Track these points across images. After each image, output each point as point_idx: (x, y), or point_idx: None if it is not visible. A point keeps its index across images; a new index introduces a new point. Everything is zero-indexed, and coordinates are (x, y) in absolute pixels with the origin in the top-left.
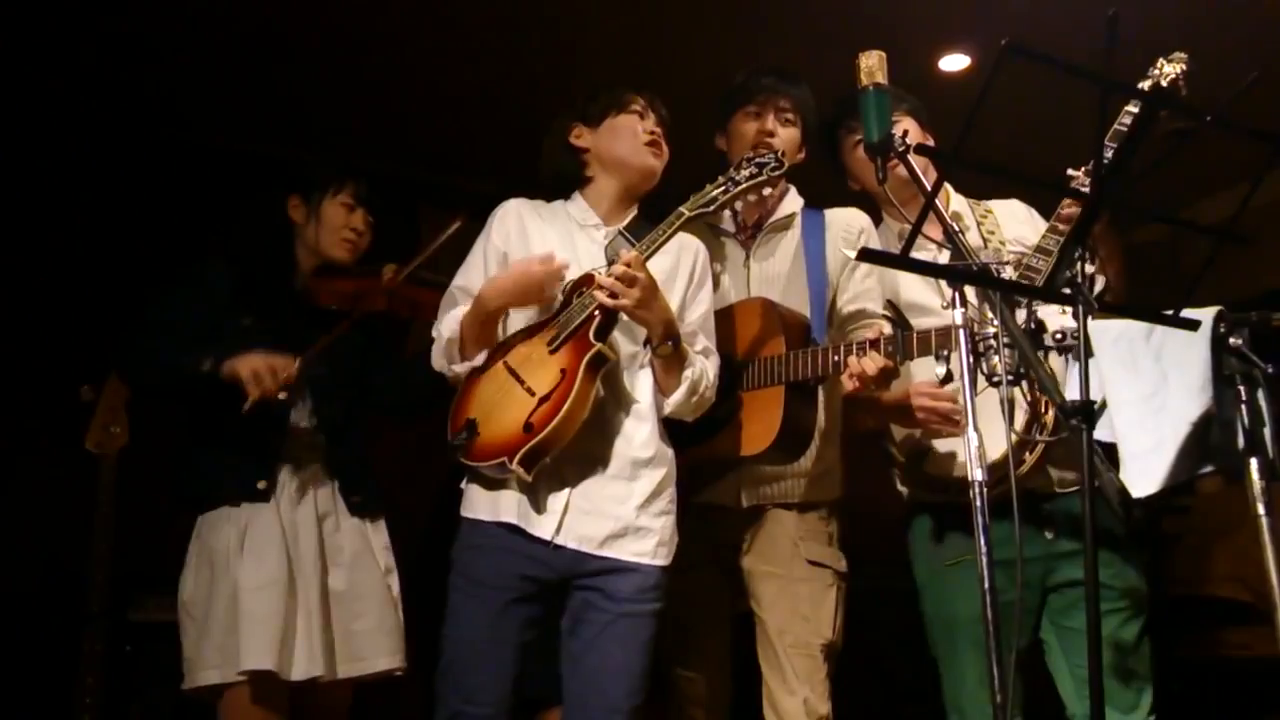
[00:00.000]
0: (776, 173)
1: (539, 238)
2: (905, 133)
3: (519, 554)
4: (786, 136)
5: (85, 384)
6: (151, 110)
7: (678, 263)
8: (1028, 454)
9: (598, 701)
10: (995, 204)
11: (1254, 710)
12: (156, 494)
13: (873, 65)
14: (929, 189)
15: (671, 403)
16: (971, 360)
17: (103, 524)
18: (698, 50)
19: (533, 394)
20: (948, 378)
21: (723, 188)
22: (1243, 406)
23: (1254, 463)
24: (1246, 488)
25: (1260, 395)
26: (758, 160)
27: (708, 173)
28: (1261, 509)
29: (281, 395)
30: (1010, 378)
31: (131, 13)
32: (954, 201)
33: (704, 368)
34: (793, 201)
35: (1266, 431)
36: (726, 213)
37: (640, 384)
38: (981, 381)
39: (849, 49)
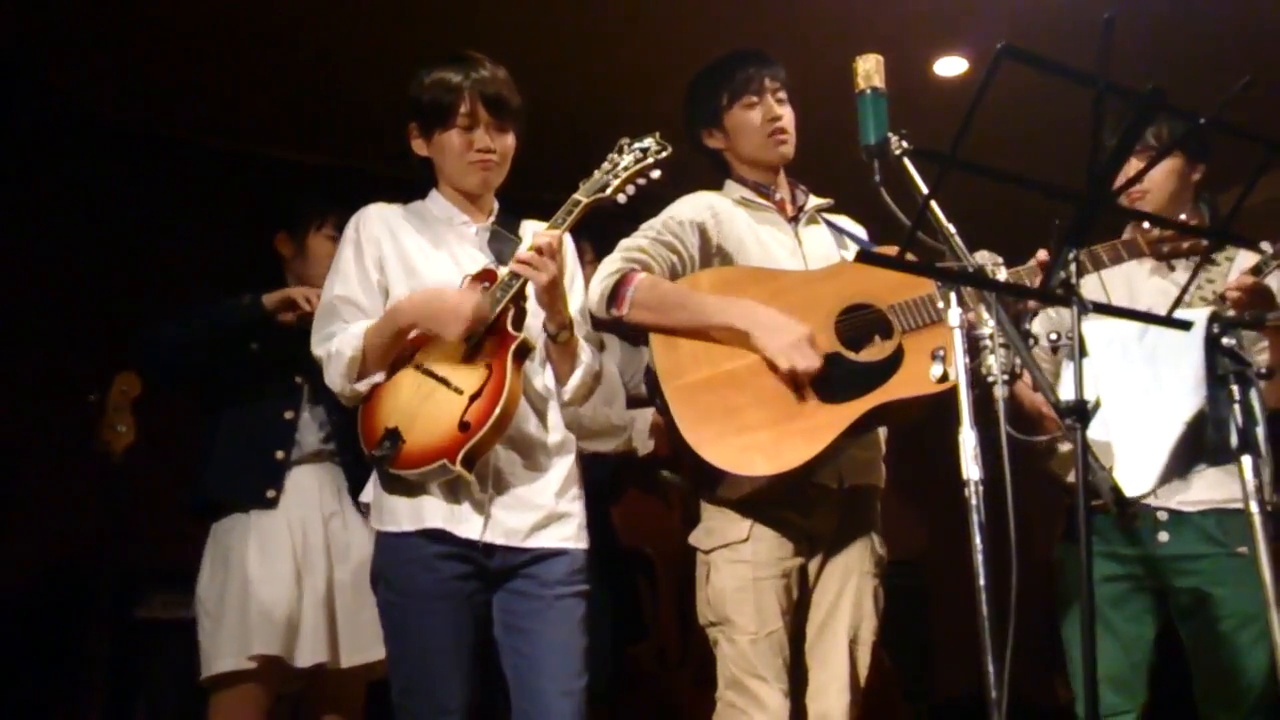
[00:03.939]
0: (661, 155)
1: (411, 240)
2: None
3: (452, 558)
4: (788, 116)
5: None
6: (153, 112)
7: None
8: None
9: (550, 685)
10: None
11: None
12: (162, 492)
13: (869, 68)
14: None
15: (569, 390)
16: (968, 360)
17: (109, 522)
18: (695, 51)
19: (461, 393)
20: (944, 378)
21: (611, 173)
22: (1236, 405)
23: (1247, 461)
24: (1240, 486)
25: (1253, 394)
26: (639, 145)
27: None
28: (1254, 506)
29: None
30: (1006, 377)
31: (139, 14)
32: None
33: (594, 354)
34: (814, 198)
35: (1259, 430)
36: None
37: (545, 375)
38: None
39: (846, 52)
